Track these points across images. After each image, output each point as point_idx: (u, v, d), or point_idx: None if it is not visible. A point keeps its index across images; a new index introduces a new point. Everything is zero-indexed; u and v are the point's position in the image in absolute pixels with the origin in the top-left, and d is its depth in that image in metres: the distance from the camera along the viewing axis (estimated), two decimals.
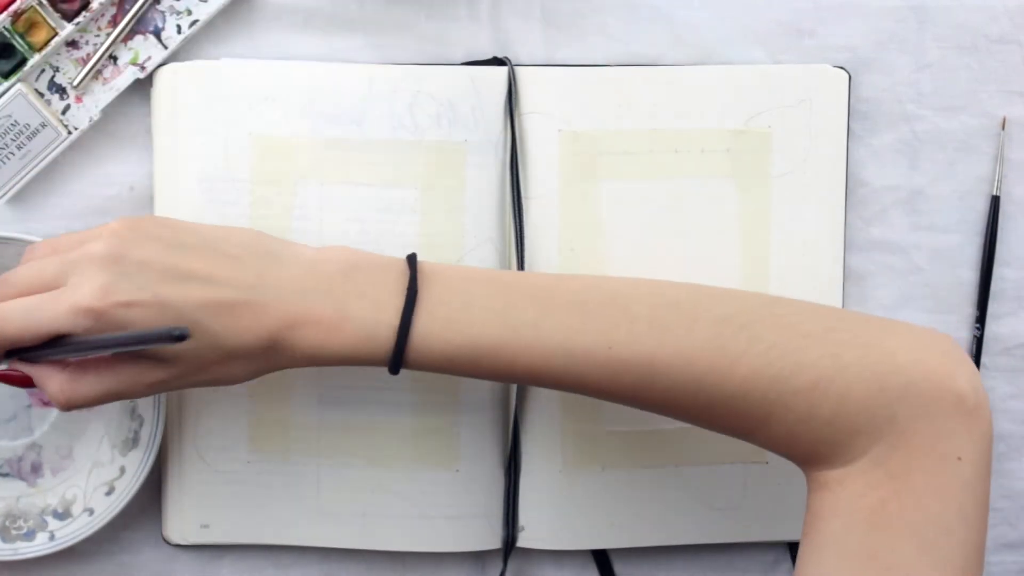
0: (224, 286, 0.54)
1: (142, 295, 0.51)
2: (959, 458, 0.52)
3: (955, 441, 0.52)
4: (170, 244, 0.54)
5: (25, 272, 0.54)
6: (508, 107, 0.65)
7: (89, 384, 0.54)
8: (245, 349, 0.54)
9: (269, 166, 0.65)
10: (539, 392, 0.66)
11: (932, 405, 0.52)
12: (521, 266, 0.65)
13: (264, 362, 0.55)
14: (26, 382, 0.56)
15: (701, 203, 0.66)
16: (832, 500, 0.53)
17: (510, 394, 0.66)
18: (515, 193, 0.65)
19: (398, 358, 0.55)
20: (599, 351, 0.55)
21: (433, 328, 0.55)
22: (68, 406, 0.54)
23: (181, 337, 0.46)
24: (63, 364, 0.54)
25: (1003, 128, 0.67)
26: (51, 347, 0.53)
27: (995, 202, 0.68)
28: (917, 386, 0.52)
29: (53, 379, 0.54)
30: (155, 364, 0.53)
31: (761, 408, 0.54)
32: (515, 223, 0.65)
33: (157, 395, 0.64)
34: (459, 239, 0.65)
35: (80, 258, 0.52)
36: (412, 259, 0.57)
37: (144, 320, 0.51)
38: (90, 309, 0.51)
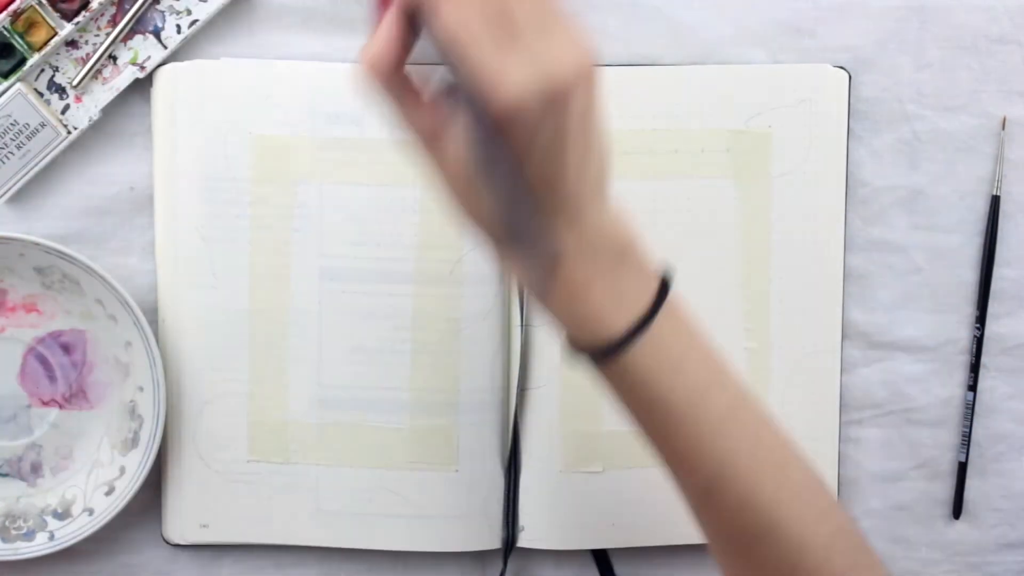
0: (570, 182, 0.47)
1: (566, 128, 0.45)
2: None
3: None
4: (587, 110, 0.47)
5: None
6: None
7: (394, 80, 0.47)
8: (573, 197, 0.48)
9: (269, 166, 0.65)
10: (539, 392, 0.66)
11: None
12: None
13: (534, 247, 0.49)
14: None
15: (701, 203, 0.66)
16: None
17: (510, 395, 0.66)
18: None
19: (601, 359, 0.51)
20: (741, 488, 0.52)
21: (641, 362, 0.51)
22: (373, 67, 0.46)
23: None
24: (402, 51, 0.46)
25: (1003, 128, 0.67)
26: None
27: (995, 202, 0.68)
28: None
29: (391, 25, 0.46)
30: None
31: None
32: None
33: (157, 395, 0.64)
34: (458, 239, 0.65)
35: (559, 44, 0.44)
36: (665, 284, 0.52)
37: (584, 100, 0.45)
38: (555, 76, 0.43)
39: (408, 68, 0.48)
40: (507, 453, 0.67)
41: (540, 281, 0.50)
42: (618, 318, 0.50)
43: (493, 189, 0.47)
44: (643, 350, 0.51)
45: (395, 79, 0.47)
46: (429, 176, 0.49)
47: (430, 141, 0.48)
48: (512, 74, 0.43)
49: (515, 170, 0.45)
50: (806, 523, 0.53)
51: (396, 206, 0.65)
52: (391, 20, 0.46)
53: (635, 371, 0.51)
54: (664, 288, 0.52)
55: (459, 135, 0.47)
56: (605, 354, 0.51)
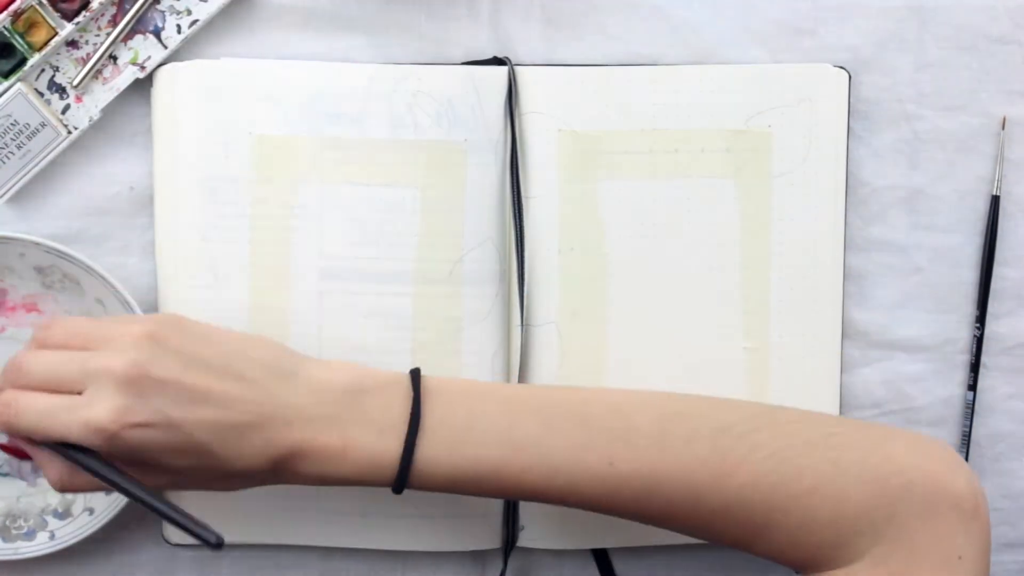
0: (235, 409, 0.54)
1: (156, 418, 0.52)
2: (960, 557, 0.52)
3: (955, 541, 0.53)
4: (189, 361, 0.54)
5: (42, 366, 0.54)
6: (508, 107, 0.65)
7: (87, 478, 0.54)
8: (249, 471, 0.55)
9: (269, 166, 0.65)
10: None
11: (931, 506, 0.53)
12: (521, 265, 0.65)
13: (266, 480, 0.57)
14: (25, 456, 0.57)
15: (701, 203, 0.66)
16: None
17: None
18: (515, 193, 0.65)
19: (402, 483, 0.56)
20: (600, 468, 0.55)
21: (437, 451, 0.56)
22: (63, 491, 0.55)
23: (218, 545, 0.48)
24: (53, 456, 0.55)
25: (1003, 128, 0.67)
26: (65, 446, 0.54)
27: (995, 202, 0.68)
28: (916, 487, 0.53)
29: (54, 465, 0.55)
30: (158, 473, 0.54)
31: (761, 515, 0.54)
32: (515, 223, 0.65)
33: None
34: (459, 239, 0.65)
35: (100, 371, 0.52)
36: (416, 376, 0.57)
37: (153, 441, 0.52)
38: (103, 430, 0.51)
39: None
40: None
41: (313, 479, 0.56)
42: (390, 443, 0.55)
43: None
44: (432, 444, 0.56)
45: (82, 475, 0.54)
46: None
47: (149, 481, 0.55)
48: (90, 419, 0.51)
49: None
50: (677, 451, 0.55)
51: (396, 206, 0.65)
52: (31, 451, 0.55)
53: (434, 471, 0.55)
54: (416, 380, 0.57)
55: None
56: (404, 478, 0.55)
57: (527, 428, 0.56)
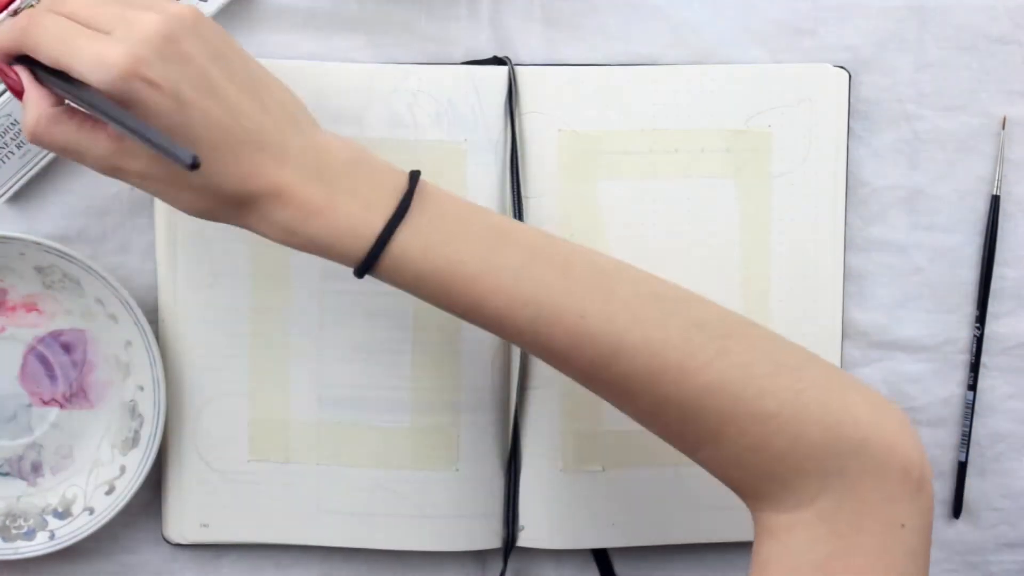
0: (240, 122, 0.53)
1: (167, 84, 0.50)
2: (903, 525, 0.52)
3: (900, 507, 0.52)
4: (218, 55, 0.53)
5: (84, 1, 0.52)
6: (508, 107, 0.65)
7: (64, 131, 0.53)
8: (221, 191, 0.53)
9: None
10: (540, 392, 0.66)
11: (882, 467, 0.52)
12: None
13: (231, 212, 0.54)
14: (17, 92, 0.54)
15: (701, 203, 0.66)
16: (779, 550, 0.53)
17: (510, 394, 0.66)
18: (515, 192, 0.65)
19: (371, 261, 0.54)
20: (569, 316, 0.54)
21: (414, 243, 0.54)
22: (33, 139, 0.53)
23: (194, 165, 0.46)
24: (55, 98, 0.53)
25: (1003, 128, 0.67)
26: (63, 79, 0.51)
27: (995, 201, 0.68)
28: (871, 445, 0.52)
29: (38, 106, 0.53)
30: (130, 155, 0.53)
31: (715, 423, 0.53)
32: None
33: (157, 395, 0.64)
34: None
35: (134, 20, 0.51)
36: (415, 175, 0.56)
37: (156, 106, 0.50)
38: (114, 66, 0.49)
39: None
40: (507, 453, 0.67)
41: (278, 229, 0.54)
42: (374, 217, 0.54)
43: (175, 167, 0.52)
44: (415, 233, 0.54)
45: (66, 126, 0.53)
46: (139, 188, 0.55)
47: (116, 162, 0.53)
48: (105, 54, 0.49)
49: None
50: (649, 327, 0.53)
51: None
52: (27, 83, 0.53)
53: (409, 261, 0.54)
54: (413, 181, 0.55)
55: (132, 144, 0.52)
56: (376, 255, 0.54)
57: (509, 256, 0.55)
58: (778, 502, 0.53)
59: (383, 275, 0.55)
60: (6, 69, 0.54)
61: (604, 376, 0.55)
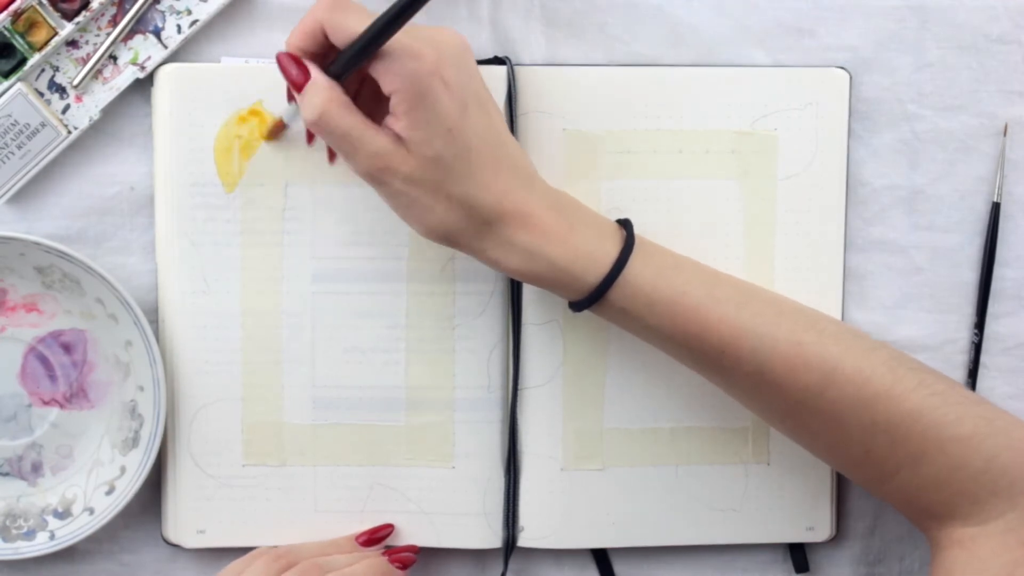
0: (504, 144, 0.57)
1: (457, 88, 0.55)
2: None
3: None
4: (483, 82, 0.58)
5: None
6: (508, 106, 0.65)
7: (350, 120, 0.55)
8: (478, 205, 0.56)
9: (260, 167, 0.65)
10: (539, 390, 0.66)
11: None
12: None
13: (475, 231, 0.57)
14: (297, 82, 0.57)
15: (705, 203, 0.66)
16: (965, 557, 0.58)
17: (508, 393, 0.66)
18: None
19: (606, 285, 0.57)
20: (786, 345, 0.58)
21: (645, 271, 0.58)
22: (318, 121, 0.56)
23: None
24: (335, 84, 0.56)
25: (1005, 133, 0.67)
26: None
27: (995, 205, 0.68)
28: None
29: (329, 91, 0.56)
30: (403, 158, 0.55)
31: (917, 445, 0.58)
32: None
33: (157, 395, 0.64)
34: None
35: (438, 31, 0.57)
36: (626, 221, 0.61)
37: (445, 106, 0.55)
38: (427, 60, 0.54)
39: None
40: (506, 452, 0.67)
41: (518, 253, 0.57)
42: (609, 246, 0.58)
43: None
44: (644, 263, 0.58)
45: (353, 116, 0.56)
46: (391, 208, 0.58)
47: (389, 162, 0.56)
48: (418, 48, 0.55)
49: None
50: (858, 356, 0.58)
51: (387, 205, 0.65)
52: (315, 71, 0.57)
53: (640, 289, 0.58)
54: (627, 223, 0.60)
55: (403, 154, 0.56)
56: (612, 279, 0.57)
57: (725, 289, 0.59)
58: (966, 517, 0.58)
59: (614, 302, 0.58)
60: (287, 62, 0.57)
61: (816, 404, 0.58)
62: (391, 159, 0.55)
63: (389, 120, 0.56)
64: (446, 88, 0.54)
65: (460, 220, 0.57)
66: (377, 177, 0.56)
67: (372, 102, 0.58)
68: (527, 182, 0.58)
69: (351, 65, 0.55)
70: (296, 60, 0.57)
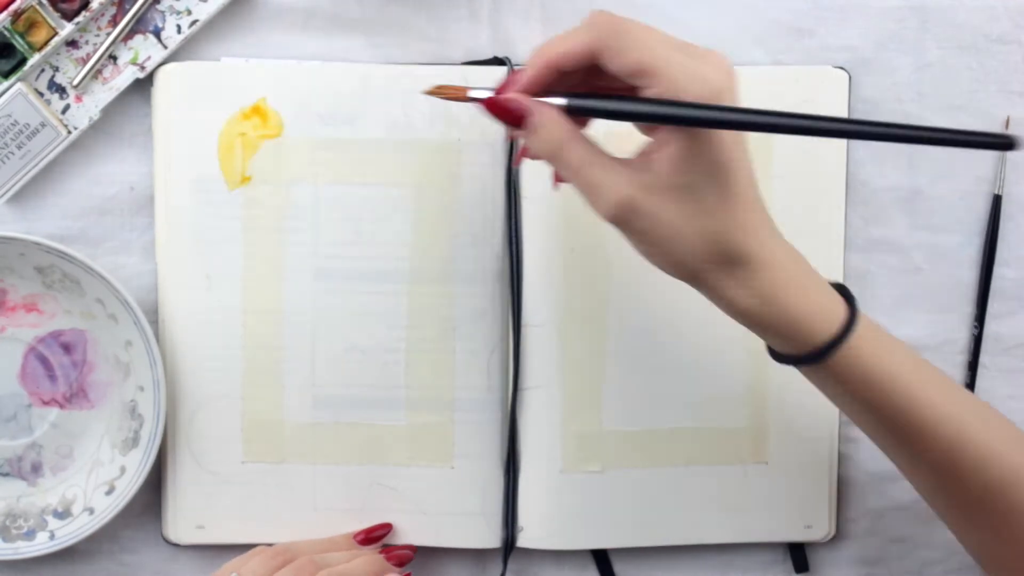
0: (755, 182, 0.54)
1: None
2: None
3: None
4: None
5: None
6: None
7: (586, 151, 0.52)
8: (725, 240, 0.52)
9: (263, 166, 0.65)
10: (539, 392, 0.66)
11: None
12: (517, 265, 0.65)
13: (715, 268, 0.54)
14: (516, 118, 0.52)
15: None
16: None
17: (508, 394, 0.66)
18: (510, 192, 0.65)
19: (836, 343, 0.55)
20: (981, 437, 0.56)
21: (869, 336, 0.56)
22: (553, 152, 0.52)
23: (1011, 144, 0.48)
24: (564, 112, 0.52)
25: (1006, 127, 0.67)
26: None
27: (996, 201, 0.68)
28: None
29: (563, 123, 0.52)
30: (647, 190, 0.52)
31: None
32: (509, 222, 0.65)
33: (157, 395, 0.64)
34: (454, 238, 0.65)
35: (713, 54, 0.52)
36: (842, 285, 0.57)
37: (723, 132, 0.51)
38: (716, 82, 0.51)
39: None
40: (505, 452, 0.67)
41: (756, 296, 0.54)
42: (838, 305, 0.55)
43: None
44: (867, 326, 0.56)
45: (589, 147, 0.52)
46: (633, 245, 0.54)
47: (633, 196, 0.52)
48: (706, 72, 0.51)
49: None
50: None
51: (390, 205, 0.65)
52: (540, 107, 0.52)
53: (860, 357, 0.55)
54: (844, 288, 0.57)
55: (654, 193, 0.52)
56: (842, 337, 0.55)
57: (933, 372, 0.57)
58: None
59: (832, 364, 0.55)
60: (505, 101, 0.53)
61: (991, 506, 0.57)
62: (636, 191, 0.51)
63: (650, 149, 0.52)
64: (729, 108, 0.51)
65: (703, 254, 0.53)
66: (621, 216, 0.52)
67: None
68: (771, 225, 0.55)
69: (617, 118, 0.52)
70: (511, 101, 0.53)
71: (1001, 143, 0.49)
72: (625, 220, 0.52)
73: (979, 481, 0.56)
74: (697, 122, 0.50)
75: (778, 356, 0.57)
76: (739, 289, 0.54)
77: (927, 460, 0.57)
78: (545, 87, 0.52)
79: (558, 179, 0.57)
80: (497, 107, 0.53)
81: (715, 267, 0.53)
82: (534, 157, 0.53)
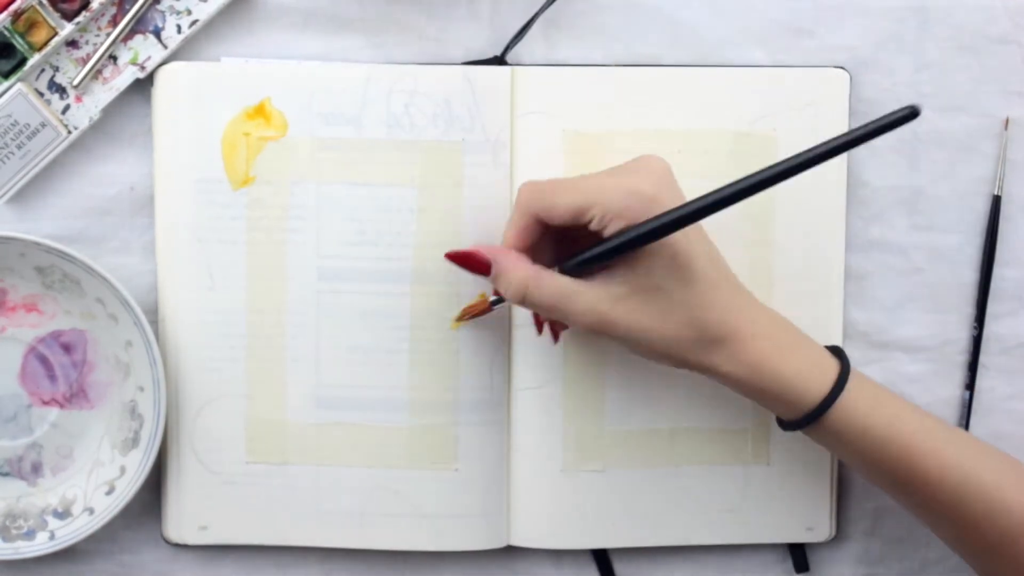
0: (726, 265, 0.59)
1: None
2: None
3: None
4: (681, 195, 0.58)
5: None
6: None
7: (553, 285, 0.57)
8: (706, 323, 0.56)
9: (265, 167, 0.65)
10: (540, 392, 0.66)
11: None
12: None
13: (702, 348, 0.57)
14: (483, 269, 0.59)
15: None
16: None
17: (510, 394, 0.66)
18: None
19: (831, 399, 0.57)
20: (988, 486, 0.57)
21: (865, 389, 0.58)
22: (524, 300, 0.57)
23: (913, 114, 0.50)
24: (530, 260, 0.58)
25: (1006, 128, 0.67)
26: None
27: (996, 201, 0.68)
28: None
29: (526, 269, 0.57)
30: (617, 300, 0.56)
31: None
32: None
33: (157, 395, 0.64)
34: (456, 238, 0.65)
35: (650, 159, 0.58)
36: (836, 347, 0.61)
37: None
38: (660, 185, 0.56)
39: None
40: (507, 452, 0.67)
41: (746, 366, 0.58)
42: (830, 362, 0.59)
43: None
44: (861, 381, 0.59)
45: (553, 280, 0.57)
46: (621, 345, 0.59)
47: (605, 309, 0.57)
48: (639, 187, 0.57)
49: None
50: None
51: (393, 205, 0.65)
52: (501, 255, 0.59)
53: (857, 411, 0.58)
54: (838, 349, 0.60)
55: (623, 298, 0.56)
56: (837, 393, 0.58)
57: (934, 421, 0.59)
58: None
59: (830, 423, 0.58)
60: (469, 259, 0.60)
61: (1009, 552, 0.57)
62: (607, 305, 0.56)
63: (612, 264, 0.57)
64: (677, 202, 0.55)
65: (688, 338, 0.57)
66: (600, 326, 0.57)
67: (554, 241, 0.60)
68: (745, 295, 0.59)
69: (594, 263, 0.57)
70: (472, 253, 0.59)
71: (906, 115, 0.51)
72: (605, 331, 0.57)
73: (994, 529, 0.57)
74: (639, 241, 0.55)
75: (783, 424, 0.60)
76: (728, 364, 0.57)
77: (936, 510, 0.58)
78: (530, 251, 0.59)
79: (555, 334, 0.64)
80: (462, 259, 0.60)
81: (700, 350, 0.57)
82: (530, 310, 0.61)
